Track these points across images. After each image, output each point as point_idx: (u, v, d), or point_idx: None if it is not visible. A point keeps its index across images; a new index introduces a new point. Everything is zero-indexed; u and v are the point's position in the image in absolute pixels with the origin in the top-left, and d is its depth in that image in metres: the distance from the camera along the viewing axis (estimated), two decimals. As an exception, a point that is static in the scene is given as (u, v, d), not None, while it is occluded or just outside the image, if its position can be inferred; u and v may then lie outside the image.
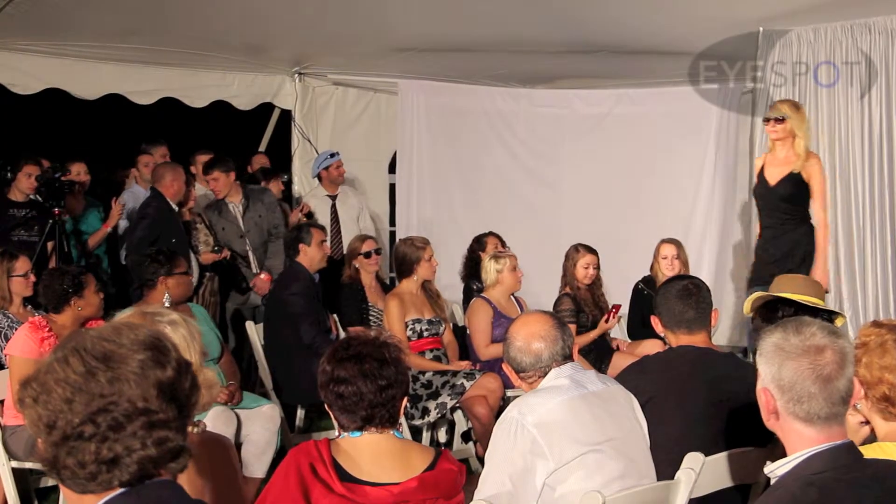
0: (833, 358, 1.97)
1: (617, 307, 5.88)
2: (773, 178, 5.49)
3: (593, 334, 5.76)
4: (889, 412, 2.36)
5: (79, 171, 6.48)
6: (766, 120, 5.49)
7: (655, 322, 3.38)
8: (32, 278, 5.03)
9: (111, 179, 7.30)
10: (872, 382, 2.36)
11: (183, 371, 1.59)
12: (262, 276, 6.46)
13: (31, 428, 1.55)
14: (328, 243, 5.91)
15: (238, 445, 4.50)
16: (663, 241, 6.08)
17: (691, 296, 3.33)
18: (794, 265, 5.37)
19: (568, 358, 2.89)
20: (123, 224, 6.59)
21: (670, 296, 3.34)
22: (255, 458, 4.54)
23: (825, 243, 5.45)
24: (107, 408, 1.50)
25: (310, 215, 7.06)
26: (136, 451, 1.51)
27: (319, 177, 7.26)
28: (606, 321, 5.78)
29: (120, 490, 1.53)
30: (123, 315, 2.42)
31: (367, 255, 6.03)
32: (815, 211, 5.45)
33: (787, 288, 3.64)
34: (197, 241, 6.38)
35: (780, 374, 1.98)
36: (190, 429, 2.39)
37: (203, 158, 6.96)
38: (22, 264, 5.05)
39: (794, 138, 5.39)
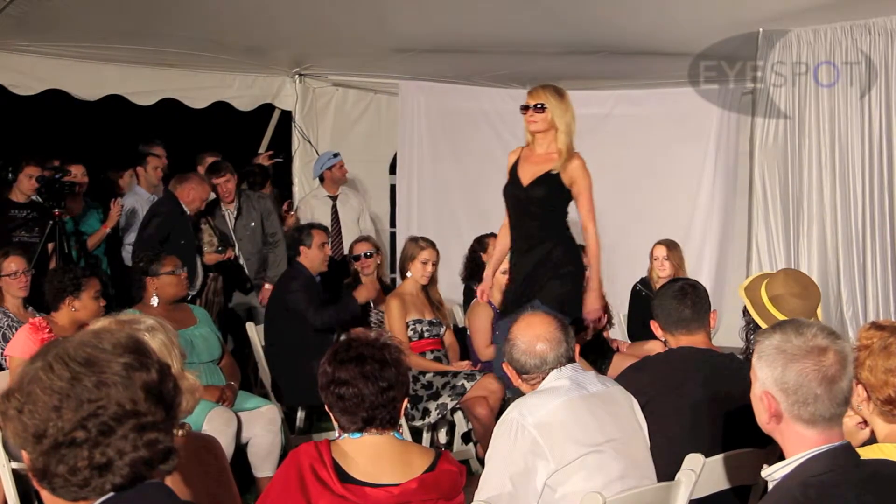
0: (835, 359, 1.97)
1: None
2: (526, 176, 4.58)
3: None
4: (893, 414, 2.36)
5: (76, 174, 6.48)
6: (524, 108, 4.63)
7: (655, 327, 3.39)
8: (24, 278, 4.95)
9: (110, 180, 7.30)
10: (877, 385, 2.36)
11: (165, 373, 1.59)
12: (266, 286, 6.50)
13: (14, 440, 1.53)
14: (327, 246, 5.89)
15: (240, 447, 4.51)
16: (657, 243, 6.11)
17: (686, 295, 3.33)
18: (537, 290, 4.50)
19: (570, 360, 2.90)
20: (122, 223, 6.60)
21: (666, 297, 3.35)
22: (262, 459, 4.56)
23: (598, 263, 4.67)
24: (96, 412, 1.49)
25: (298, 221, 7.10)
26: (128, 454, 1.51)
27: (322, 177, 7.29)
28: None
29: (110, 494, 1.52)
30: (100, 323, 2.41)
31: (357, 258, 6.08)
32: (584, 223, 4.61)
33: (781, 289, 3.59)
34: (201, 241, 6.39)
35: (784, 376, 1.98)
36: (175, 431, 2.40)
37: (211, 160, 6.96)
38: (13, 263, 4.96)
39: (556, 131, 4.54)
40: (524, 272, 4.59)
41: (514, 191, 4.63)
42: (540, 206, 4.57)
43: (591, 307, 4.63)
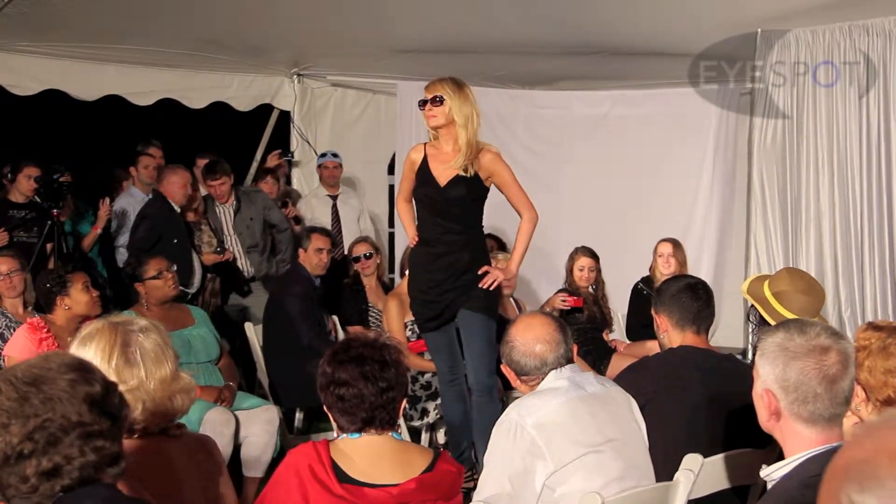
0: (837, 358, 1.97)
1: (577, 300, 5.96)
2: (442, 176, 4.40)
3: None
4: None
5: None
6: (422, 103, 4.41)
7: (662, 320, 3.35)
8: (14, 279, 4.91)
9: (107, 181, 7.28)
10: (876, 386, 2.35)
11: (111, 389, 1.71)
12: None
13: None
14: (325, 252, 5.83)
15: (237, 447, 4.51)
16: (661, 240, 6.12)
17: (700, 293, 3.33)
18: (462, 299, 4.41)
19: (569, 361, 2.90)
20: (113, 225, 6.56)
21: (682, 294, 3.31)
22: (255, 459, 4.55)
23: (527, 240, 4.50)
24: (43, 425, 1.60)
25: (297, 220, 7.08)
26: (77, 459, 1.61)
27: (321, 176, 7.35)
28: (563, 301, 5.90)
29: (59, 496, 1.61)
30: (94, 325, 2.41)
31: (356, 259, 6.11)
32: (519, 211, 4.49)
33: (785, 286, 3.60)
34: (200, 241, 6.38)
35: (784, 374, 1.98)
36: (172, 432, 2.39)
37: (204, 162, 6.94)
38: (3, 264, 4.91)
39: (455, 126, 4.34)
40: (435, 279, 4.44)
41: (429, 192, 4.43)
42: (458, 206, 4.41)
43: (509, 273, 4.55)
